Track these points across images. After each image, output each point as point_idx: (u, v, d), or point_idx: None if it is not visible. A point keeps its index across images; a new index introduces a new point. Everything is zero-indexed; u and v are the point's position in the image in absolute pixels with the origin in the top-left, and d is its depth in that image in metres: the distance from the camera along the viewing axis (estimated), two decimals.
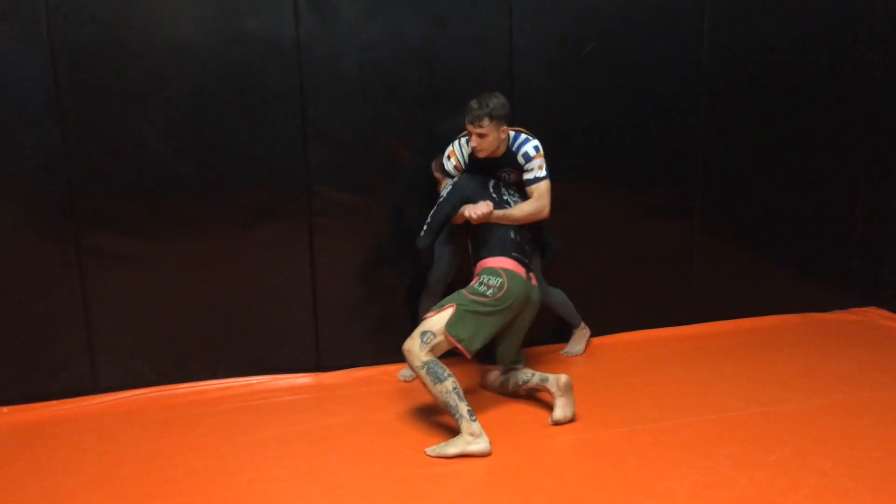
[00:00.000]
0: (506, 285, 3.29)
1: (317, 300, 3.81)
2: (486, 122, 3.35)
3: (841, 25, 4.36)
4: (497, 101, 3.36)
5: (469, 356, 3.22)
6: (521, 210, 3.49)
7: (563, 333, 4.18)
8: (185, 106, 3.49)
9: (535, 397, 3.49)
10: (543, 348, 4.14)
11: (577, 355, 4.11)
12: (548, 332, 4.15)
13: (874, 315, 4.63)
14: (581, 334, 4.16)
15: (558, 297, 4.03)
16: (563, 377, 3.27)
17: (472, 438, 3.01)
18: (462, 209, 3.45)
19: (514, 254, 3.42)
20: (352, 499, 2.75)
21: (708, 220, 4.39)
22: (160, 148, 3.50)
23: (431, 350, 3.12)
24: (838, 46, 4.38)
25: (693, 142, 4.26)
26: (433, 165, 3.77)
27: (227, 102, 3.53)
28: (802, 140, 4.44)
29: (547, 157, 3.49)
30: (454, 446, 3.02)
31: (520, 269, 3.39)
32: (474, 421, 3.04)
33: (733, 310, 4.55)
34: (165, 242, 3.58)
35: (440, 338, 3.14)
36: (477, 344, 3.20)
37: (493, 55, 3.82)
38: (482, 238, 3.46)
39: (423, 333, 3.14)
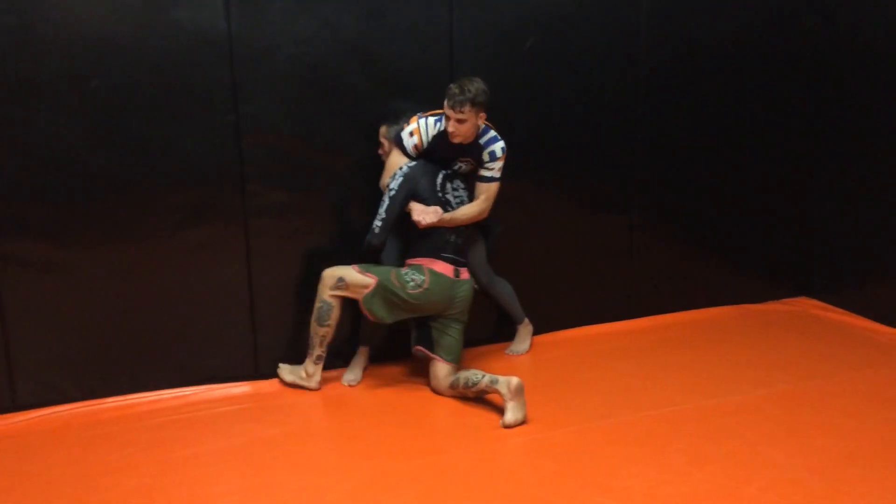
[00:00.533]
0: (426, 285, 3.39)
1: (253, 305, 3.65)
2: (467, 107, 3.29)
3: (777, 19, 4.42)
4: (478, 86, 3.31)
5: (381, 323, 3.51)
6: (465, 213, 3.51)
7: (506, 331, 4.12)
8: (109, 102, 3.29)
9: (484, 399, 3.42)
10: (486, 347, 4.07)
11: (522, 354, 4.05)
12: (490, 330, 4.10)
13: (805, 305, 4.74)
14: (525, 331, 4.10)
15: (504, 287, 3.97)
16: (514, 380, 3.21)
17: (306, 377, 3.56)
18: (411, 207, 3.38)
19: (445, 255, 3.48)
20: None
21: (646, 214, 4.40)
22: (81, 147, 3.29)
23: (337, 292, 3.44)
24: (773, 40, 4.44)
25: (631, 137, 4.27)
26: (382, 130, 3.63)
27: (153, 98, 3.34)
28: (737, 135, 4.50)
29: None
30: (293, 374, 3.60)
31: (447, 269, 3.45)
32: (317, 365, 3.54)
33: (671, 303, 4.58)
34: (88, 248, 3.37)
35: (351, 294, 3.44)
36: (388, 320, 3.45)
37: (432, 48, 3.72)
38: (418, 236, 3.44)
39: (341, 279, 3.43)
